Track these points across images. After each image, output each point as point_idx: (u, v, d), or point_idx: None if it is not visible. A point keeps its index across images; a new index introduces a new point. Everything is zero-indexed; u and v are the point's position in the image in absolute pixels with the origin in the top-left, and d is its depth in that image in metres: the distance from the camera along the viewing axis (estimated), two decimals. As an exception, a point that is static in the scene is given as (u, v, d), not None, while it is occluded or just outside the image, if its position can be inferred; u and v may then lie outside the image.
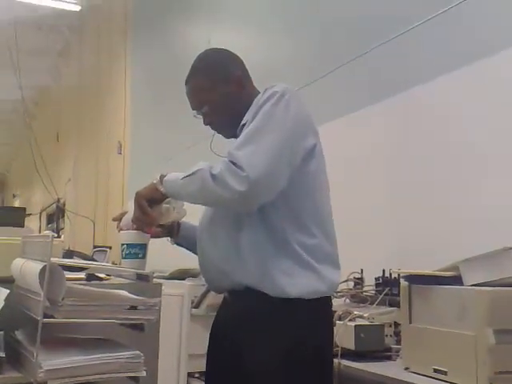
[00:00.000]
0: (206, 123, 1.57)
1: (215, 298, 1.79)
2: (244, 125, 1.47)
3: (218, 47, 1.66)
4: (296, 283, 1.37)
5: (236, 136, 1.52)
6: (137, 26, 6.24)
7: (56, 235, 1.04)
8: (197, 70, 1.56)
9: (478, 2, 1.99)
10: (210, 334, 1.58)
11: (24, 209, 1.60)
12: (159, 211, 1.50)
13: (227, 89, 1.52)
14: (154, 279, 1.38)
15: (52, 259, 1.00)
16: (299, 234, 1.41)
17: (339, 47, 2.73)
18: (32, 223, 9.36)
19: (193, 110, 1.57)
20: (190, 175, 1.38)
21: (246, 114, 1.49)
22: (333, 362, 1.50)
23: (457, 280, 1.44)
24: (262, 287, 1.38)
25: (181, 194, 1.45)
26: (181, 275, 2.56)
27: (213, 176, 1.32)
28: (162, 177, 1.46)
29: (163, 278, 2.43)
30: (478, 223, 1.88)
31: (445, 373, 1.40)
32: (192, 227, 1.66)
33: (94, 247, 3.72)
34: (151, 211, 1.46)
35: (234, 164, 1.31)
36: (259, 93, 1.51)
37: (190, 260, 1.80)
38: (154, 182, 1.46)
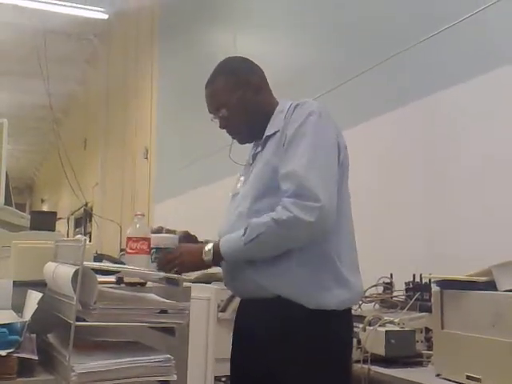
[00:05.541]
0: (221, 126, 1.60)
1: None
2: (269, 136, 1.50)
3: (241, 55, 1.68)
4: (333, 296, 1.41)
5: (249, 142, 1.60)
6: (163, 34, 6.30)
7: (88, 239, 1.05)
8: (218, 75, 1.59)
9: (501, 8, 1.95)
10: (234, 340, 1.59)
11: (55, 213, 1.62)
12: None
13: (246, 94, 1.55)
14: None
15: (85, 263, 1.01)
16: (337, 244, 1.44)
17: (363, 53, 2.71)
18: (60, 227, 9.51)
19: (210, 113, 1.60)
20: (252, 240, 1.38)
21: (271, 124, 1.53)
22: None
23: (490, 285, 1.41)
24: (300, 299, 1.40)
25: (250, 257, 1.44)
26: (207, 279, 2.55)
27: (282, 223, 1.34)
28: (215, 248, 1.45)
29: (189, 282, 2.43)
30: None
31: (478, 380, 1.37)
32: None
33: (121, 251, 3.75)
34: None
35: (302, 196, 1.34)
36: (278, 103, 1.57)
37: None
38: (206, 257, 1.46)
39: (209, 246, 1.46)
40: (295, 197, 1.35)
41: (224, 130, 1.63)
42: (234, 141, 1.64)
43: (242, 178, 1.60)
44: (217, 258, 1.45)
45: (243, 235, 1.39)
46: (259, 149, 1.55)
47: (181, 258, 1.46)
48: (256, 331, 1.47)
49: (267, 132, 1.52)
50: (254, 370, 1.47)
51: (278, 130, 1.48)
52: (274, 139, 1.49)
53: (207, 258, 1.45)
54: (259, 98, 1.56)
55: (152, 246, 1.48)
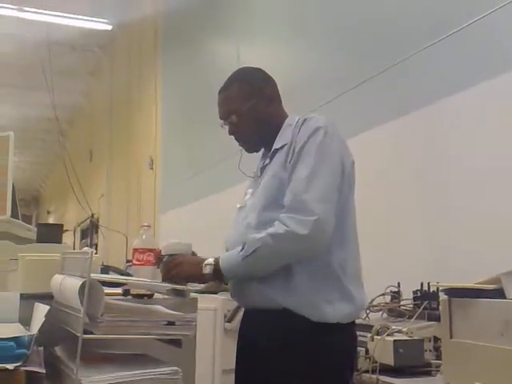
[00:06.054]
0: (230, 133, 1.61)
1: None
2: (277, 149, 1.52)
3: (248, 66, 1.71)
4: (337, 309, 1.41)
5: (256, 151, 1.62)
6: (167, 45, 6.34)
7: (95, 251, 1.05)
8: (232, 82, 1.61)
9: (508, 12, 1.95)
10: (238, 351, 1.58)
11: (62, 225, 1.63)
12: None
13: (258, 104, 1.57)
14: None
15: (91, 275, 1.01)
16: (343, 257, 1.45)
17: (365, 61, 2.71)
18: (66, 239, 9.52)
19: (220, 118, 1.61)
20: (249, 255, 1.39)
21: (279, 137, 1.54)
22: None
23: (499, 293, 1.40)
24: (304, 311, 1.40)
25: (249, 272, 1.46)
26: (213, 289, 2.55)
27: (278, 237, 1.36)
28: (216, 263, 1.45)
29: (195, 292, 2.43)
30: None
31: (488, 389, 1.36)
32: None
33: (127, 262, 3.75)
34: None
35: (297, 210, 1.36)
36: (287, 116, 1.59)
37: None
38: (206, 271, 1.45)
39: (210, 260, 1.46)
40: (291, 211, 1.38)
41: (229, 141, 1.64)
42: (243, 152, 1.65)
43: (250, 191, 1.61)
44: (217, 273, 1.45)
45: (241, 251, 1.41)
46: (267, 161, 1.56)
47: (179, 268, 1.45)
48: (259, 342, 1.46)
49: (275, 145, 1.54)
50: (257, 380, 1.47)
51: (286, 144, 1.50)
52: (281, 152, 1.50)
53: (207, 271, 1.45)
54: (270, 108, 1.58)
55: (165, 253, 1.48)
